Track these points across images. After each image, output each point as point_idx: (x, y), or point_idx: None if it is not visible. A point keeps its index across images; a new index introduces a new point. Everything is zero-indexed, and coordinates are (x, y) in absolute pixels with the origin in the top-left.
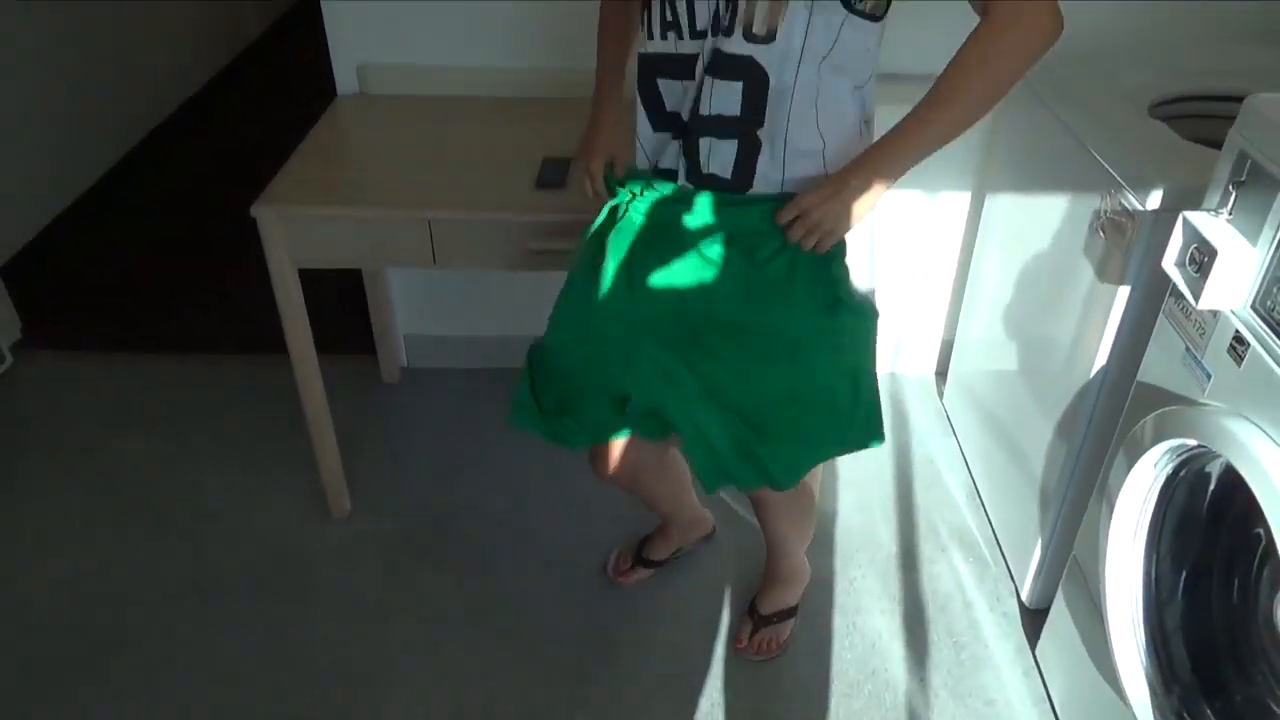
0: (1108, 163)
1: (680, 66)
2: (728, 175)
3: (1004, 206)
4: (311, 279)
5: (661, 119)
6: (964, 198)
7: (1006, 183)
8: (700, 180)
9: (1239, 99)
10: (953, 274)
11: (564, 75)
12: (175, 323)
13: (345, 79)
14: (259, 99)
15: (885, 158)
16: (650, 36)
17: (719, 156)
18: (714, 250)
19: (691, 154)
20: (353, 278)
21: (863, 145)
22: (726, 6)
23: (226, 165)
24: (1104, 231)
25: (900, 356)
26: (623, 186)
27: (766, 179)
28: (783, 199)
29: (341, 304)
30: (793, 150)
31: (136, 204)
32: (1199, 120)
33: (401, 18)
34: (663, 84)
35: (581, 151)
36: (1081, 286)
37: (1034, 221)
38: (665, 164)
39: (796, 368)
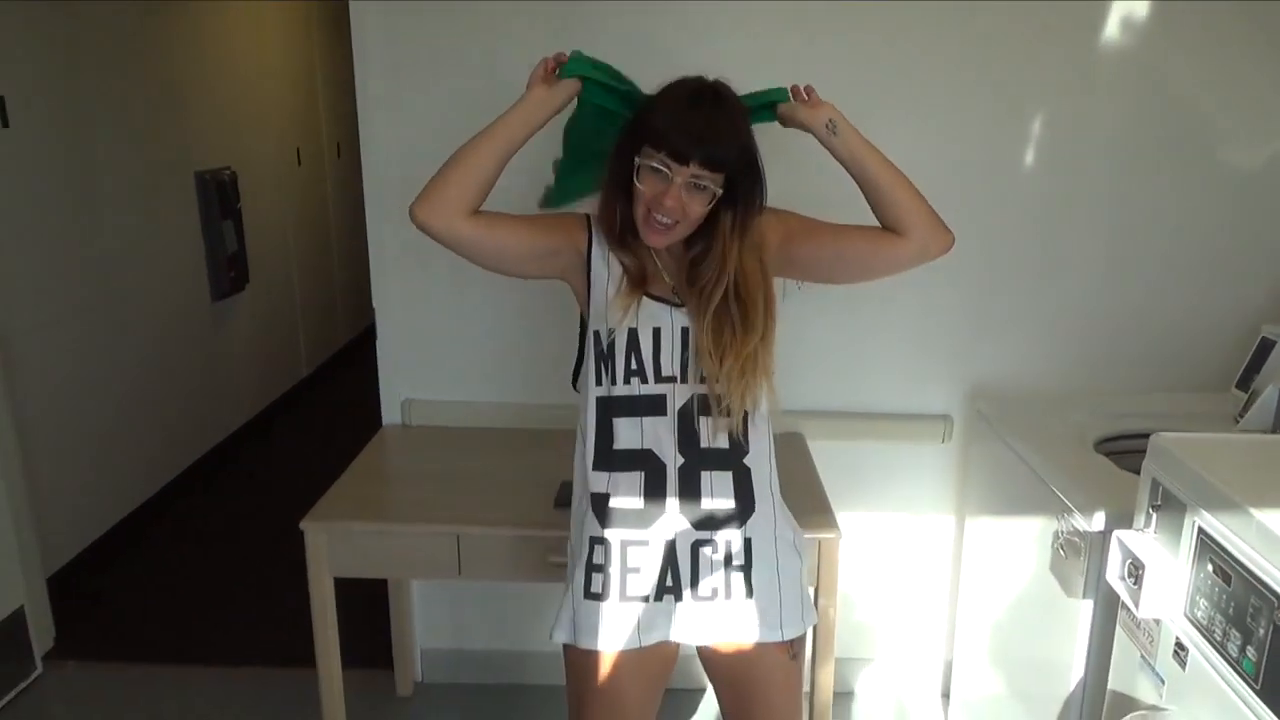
0: (1060, 491)
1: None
2: (731, 504)
3: (982, 529)
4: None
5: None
6: (949, 520)
7: (981, 507)
8: (697, 510)
9: None
10: (946, 595)
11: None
12: (199, 635)
13: (391, 411)
14: (306, 428)
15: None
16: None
17: (720, 485)
18: None
19: (692, 488)
20: (369, 594)
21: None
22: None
23: (272, 488)
24: (1063, 551)
25: (905, 680)
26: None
27: (765, 505)
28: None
29: (360, 618)
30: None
31: (188, 520)
32: (1135, 455)
33: (442, 361)
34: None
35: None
36: (1054, 602)
37: (1008, 543)
38: (624, 502)
39: None
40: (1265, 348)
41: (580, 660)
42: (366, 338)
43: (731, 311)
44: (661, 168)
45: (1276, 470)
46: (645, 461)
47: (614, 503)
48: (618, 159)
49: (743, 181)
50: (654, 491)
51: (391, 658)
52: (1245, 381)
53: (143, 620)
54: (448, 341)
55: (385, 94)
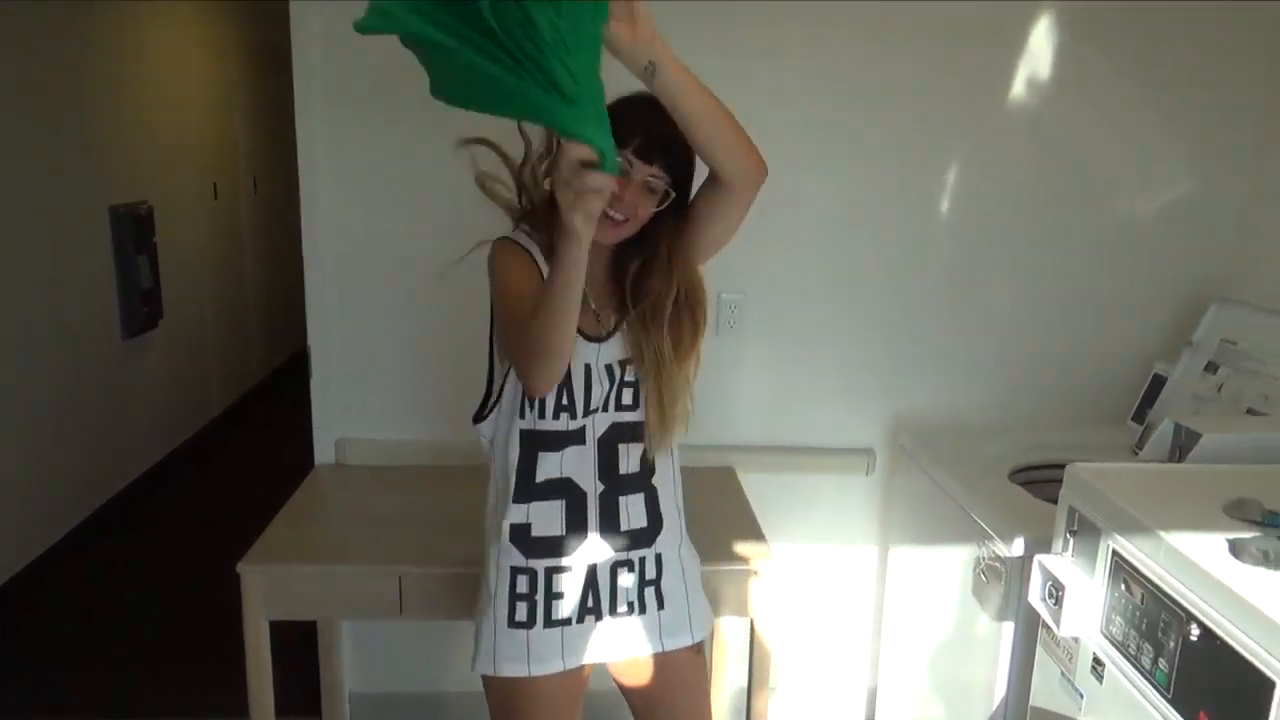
0: (980, 519)
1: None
2: (644, 523)
3: (904, 558)
4: None
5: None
6: (872, 550)
7: (904, 536)
8: (616, 534)
9: None
10: (870, 622)
11: None
12: (109, 686)
13: (324, 451)
14: (221, 469)
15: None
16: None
17: (635, 508)
18: None
19: (611, 513)
20: (292, 637)
21: None
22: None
23: (189, 530)
24: (984, 576)
25: (830, 707)
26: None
27: (671, 520)
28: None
29: (285, 663)
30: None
31: (98, 564)
32: (1047, 484)
33: (378, 399)
34: (543, 456)
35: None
36: (975, 625)
37: (930, 570)
38: (546, 530)
39: None
40: (1157, 383)
41: (506, 689)
42: (280, 375)
43: (683, 316)
44: (624, 162)
45: (1180, 496)
46: (566, 491)
47: (536, 532)
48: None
49: (683, 192)
50: (575, 519)
51: (319, 704)
52: (1140, 414)
53: (48, 672)
54: (383, 379)
55: (325, 128)
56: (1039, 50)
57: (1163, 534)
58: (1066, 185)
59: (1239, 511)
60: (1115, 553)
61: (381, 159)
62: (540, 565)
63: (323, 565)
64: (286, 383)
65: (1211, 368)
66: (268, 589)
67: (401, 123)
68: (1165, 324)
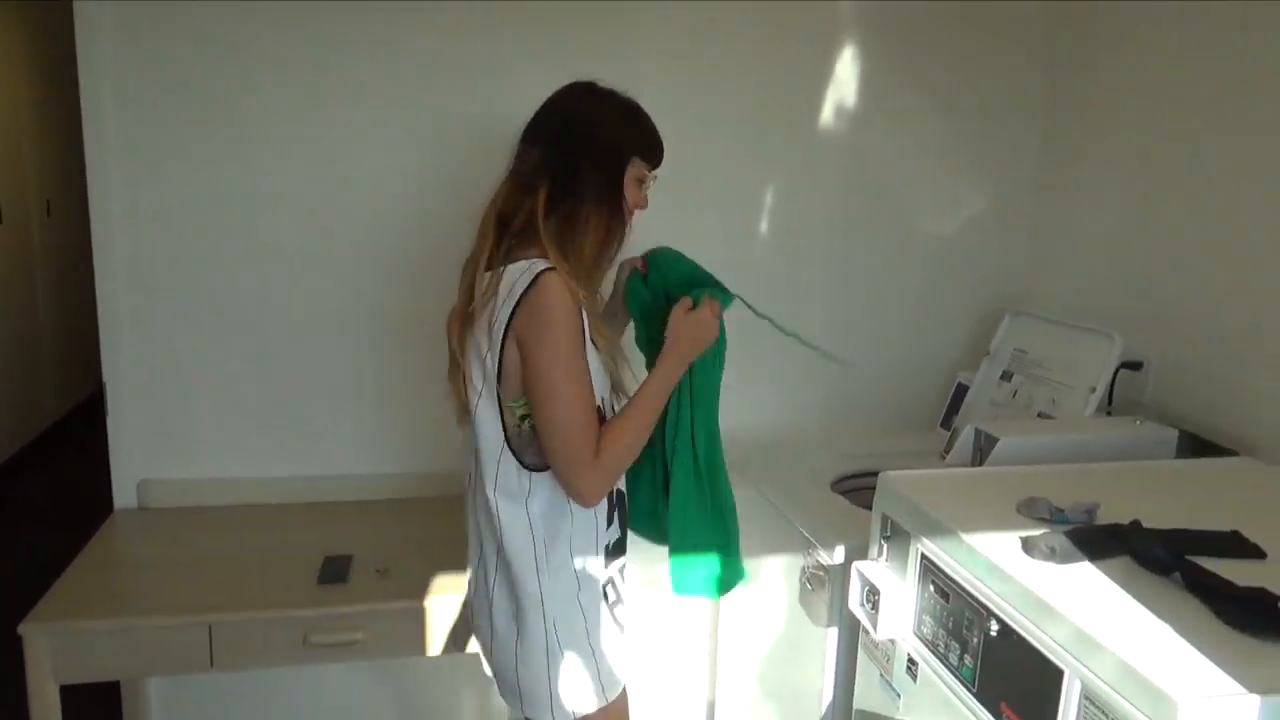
0: (804, 529)
1: None
2: None
3: None
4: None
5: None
6: None
7: None
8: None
9: None
10: (708, 636)
11: (340, 481)
12: None
13: (124, 494)
14: (7, 520)
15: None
16: None
17: None
18: None
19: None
20: (91, 699)
21: None
22: None
23: None
24: (810, 584)
25: None
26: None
27: None
28: None
29: None
30: None
31: None
32: (866, 492)
33: (183, 436)
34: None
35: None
36: (804, 633)
37: (762, 582)
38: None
39: None
40: (961, 392)
41: (618, 706)
42: (79, 414)
43: None
44: (650, 177)
45: (980, 498)
46: (618, 497)
47: (613, 544)
48: (616, 203)
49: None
50: (622, 516)
51: None
52: (947, 421)
53: None
54: (188, 414)
55: (120, 139)
56: (847, 79)
57: (963, 535)
58: (875, 207)
59: (1030, 510)
60: (923, 555)
61: (185, 171)
62: (615, 566)
63: (120, 620)
64: (86, 422)
65: (1007, 375)
66: (56, 651)
67: (208, 130)
68: (967, 336)
